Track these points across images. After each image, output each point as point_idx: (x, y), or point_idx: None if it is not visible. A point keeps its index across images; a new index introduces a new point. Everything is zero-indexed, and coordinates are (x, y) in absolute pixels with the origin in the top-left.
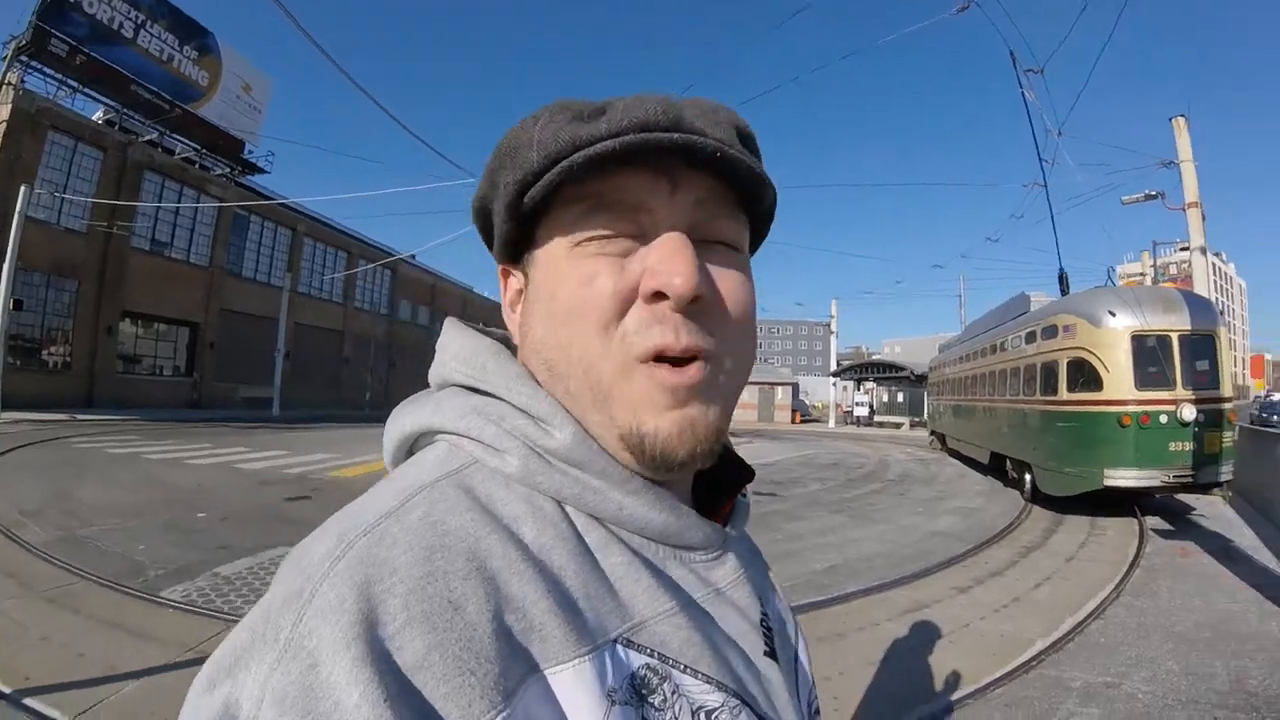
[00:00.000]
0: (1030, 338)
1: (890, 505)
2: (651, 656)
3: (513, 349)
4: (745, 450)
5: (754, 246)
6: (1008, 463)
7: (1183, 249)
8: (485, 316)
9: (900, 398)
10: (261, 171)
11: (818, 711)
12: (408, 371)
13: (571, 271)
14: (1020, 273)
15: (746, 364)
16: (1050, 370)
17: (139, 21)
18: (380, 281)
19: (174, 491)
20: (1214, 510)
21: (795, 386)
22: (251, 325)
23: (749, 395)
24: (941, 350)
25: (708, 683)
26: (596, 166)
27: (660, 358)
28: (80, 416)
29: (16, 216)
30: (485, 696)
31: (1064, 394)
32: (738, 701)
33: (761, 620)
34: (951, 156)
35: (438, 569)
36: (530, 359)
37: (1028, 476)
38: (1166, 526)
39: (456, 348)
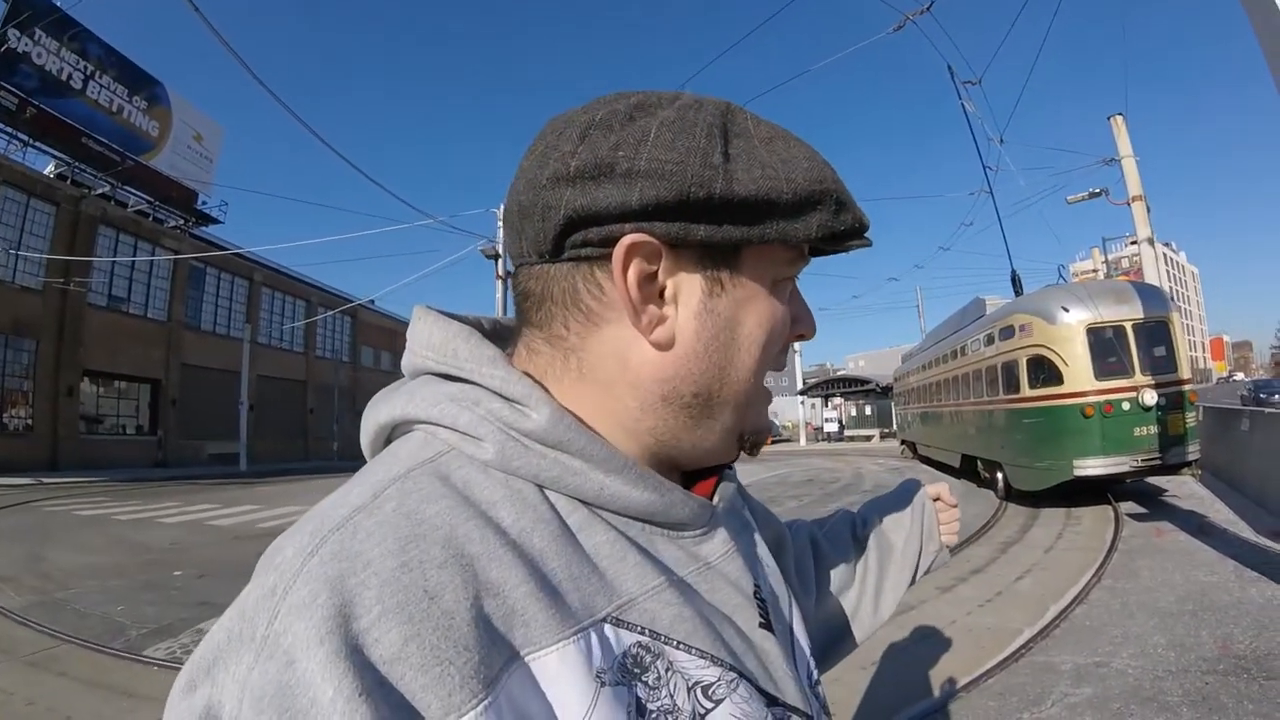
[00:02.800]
0: (989, 340)
1: None
2: (643, 634)
3: (483, 332)
4: None
5: None
6: (979, 464)
7: (1132, 242)
8: None
9: (868, 410)
10: (216, 222)
11: (818, 681)
12: None
13: (767, 308)
14: (974, 278)
15: None
16: (1011, 369)
17: (88, 72)
18: (341, 329)
19: (147, 551)
20: (1186, 489)
21: None
22: (213, 379)
23: None
24: (905, 360)
25: (702, 657)
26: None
27: None
28: (46, 480)
29: None
30: (466, 686)
31: (1026, 391)
32: (735, 675)
33: (755, 592)
34: (898, 171)
35: (412, 559)
36: (631, 356)
37: (1000, 475)
38: (1141, 510)
39: (426, 335)
